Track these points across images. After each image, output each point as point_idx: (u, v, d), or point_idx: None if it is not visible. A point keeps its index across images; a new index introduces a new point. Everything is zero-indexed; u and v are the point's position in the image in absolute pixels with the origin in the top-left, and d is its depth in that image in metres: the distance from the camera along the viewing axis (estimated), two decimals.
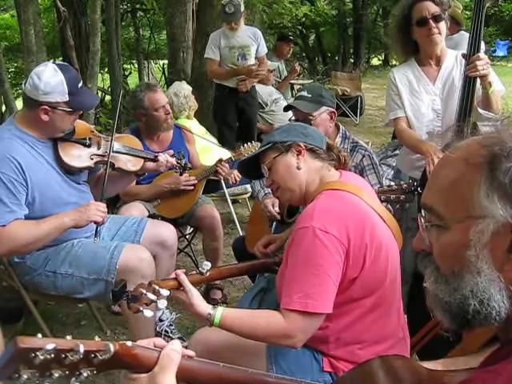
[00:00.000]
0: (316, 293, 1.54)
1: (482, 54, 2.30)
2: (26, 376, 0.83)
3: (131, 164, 2.63)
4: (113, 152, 2.52)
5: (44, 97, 2.24)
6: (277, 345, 1.63)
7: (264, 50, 5.14)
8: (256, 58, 5.09)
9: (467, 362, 0.92)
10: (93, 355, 0.88)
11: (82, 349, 0.86)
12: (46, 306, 3.08)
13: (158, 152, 2.83)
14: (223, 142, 4.62)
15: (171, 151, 2.89)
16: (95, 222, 2.32)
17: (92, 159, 2.49)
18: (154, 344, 1.02)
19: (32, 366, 0.83)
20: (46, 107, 2.26)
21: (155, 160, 2.70)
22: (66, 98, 2.27)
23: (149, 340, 1.03)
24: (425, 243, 0.92)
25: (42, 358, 0.82)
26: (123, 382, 0.99)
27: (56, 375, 0.86)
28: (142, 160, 2.66)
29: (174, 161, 2.79)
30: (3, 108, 6.57)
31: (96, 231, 2.32)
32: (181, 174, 2.99)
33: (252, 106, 5.24)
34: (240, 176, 3.45)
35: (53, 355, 0.84)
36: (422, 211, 0.93)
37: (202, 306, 1.63)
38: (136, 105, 3.26)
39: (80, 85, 2.34)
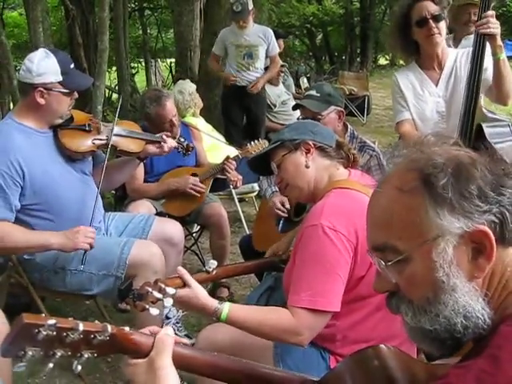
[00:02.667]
0: (325, 290, 1.55)
1: (493, 17, 2.25)
2: (30, 353, 0.88)
3: (133, 146, 2.64)
4: (114, 135, 2.52)
5: (38, 78, 2.25)
6: (283, 342, 1.63)
7: (275, 49, 5.19)
8: (267, 57, 5.18)
9: None
10: (92, 336, 0.94)
11: (81, 327, 0.91)
12: (53, 303, 3.09)
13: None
14: (230, 140, 4.63)
15: (169, 133, 2.90)
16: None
17: (94, 143, 2.50)
18: (150, 331, 1.06)
19: (36, 343, 0.88)
20: (42, 89, 2.26)
21: (158, 142, 2.69)
22: (60, 77, 2.28)
23: (144, 328, 1.07)
24: (390, 283, 0.92)
25: (44, 333, 0.87)
26: (124, 368, 1.03)
27: (59, 354, 0.91)
28: (144, 142, 2.66)
29: (174, 142, 2.78)
30: (11, 106, 6.60)
31: (83, 257, 2.25)
32: (184, 155, 2.98)
33: (258, 104, 5.26)
34: (242, 180, 3.43)
35: (55, 332, 0.89)
36: (375, 253, 0.92)
37: (208, 299, 1.61)
38: (144, 114, 3.27)
39: (72, 66, 2.35)
